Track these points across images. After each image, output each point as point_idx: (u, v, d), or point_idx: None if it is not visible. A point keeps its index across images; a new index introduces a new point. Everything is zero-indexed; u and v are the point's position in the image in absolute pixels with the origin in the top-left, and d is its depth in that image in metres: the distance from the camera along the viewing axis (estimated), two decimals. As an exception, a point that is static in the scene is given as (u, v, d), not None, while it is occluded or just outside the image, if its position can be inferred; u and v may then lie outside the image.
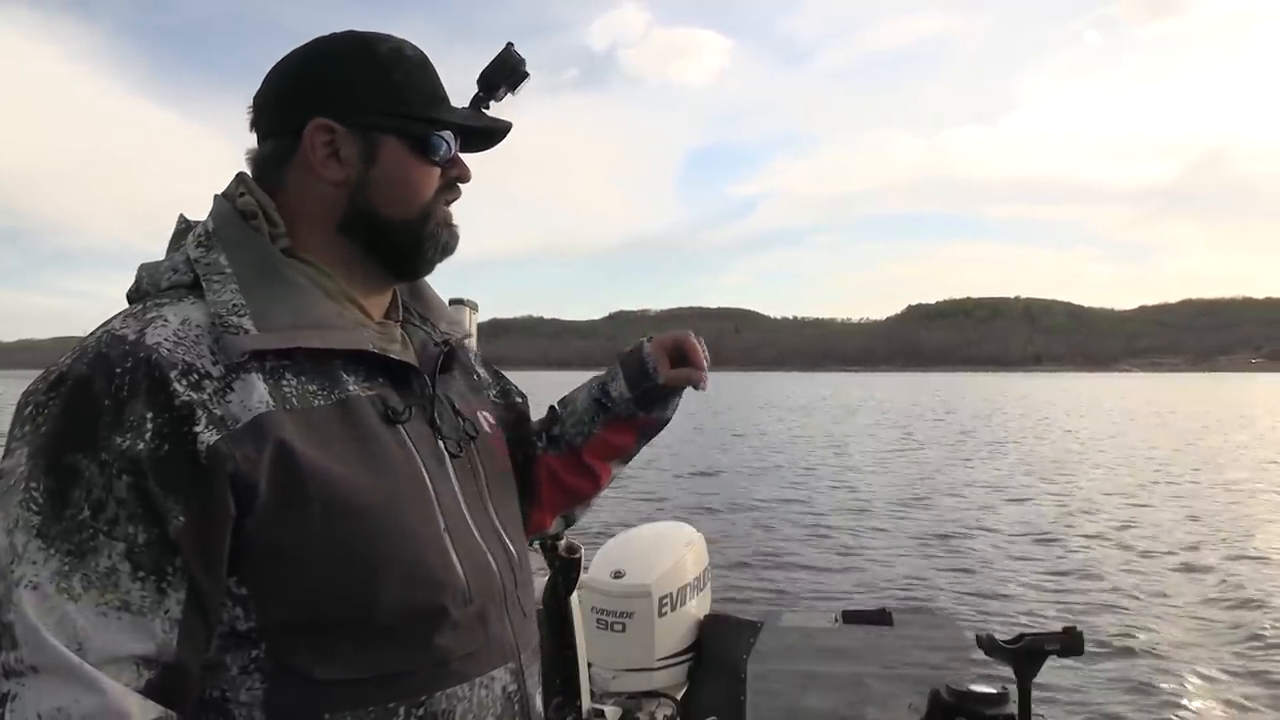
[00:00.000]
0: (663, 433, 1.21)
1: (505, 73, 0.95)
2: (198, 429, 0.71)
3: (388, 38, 0.89)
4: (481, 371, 1.11)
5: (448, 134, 0.89)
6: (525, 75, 0.96)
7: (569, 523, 1.21)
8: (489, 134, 0.95)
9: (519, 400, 1.15)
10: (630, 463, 1.21)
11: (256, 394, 0.75)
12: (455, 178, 0.92)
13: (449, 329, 1.00)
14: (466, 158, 0.94)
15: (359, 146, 0.85)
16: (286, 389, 0.78)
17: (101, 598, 0.68)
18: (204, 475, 0.71)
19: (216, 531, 0.72)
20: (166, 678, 0.69)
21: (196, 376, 0.73)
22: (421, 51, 0.90)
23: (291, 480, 0.74)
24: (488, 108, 0.95)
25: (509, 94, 0.96)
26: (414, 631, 0.78)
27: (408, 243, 0.89)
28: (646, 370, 1.12)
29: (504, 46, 0.96)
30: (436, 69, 0.92)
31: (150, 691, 0.68)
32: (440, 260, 0.93)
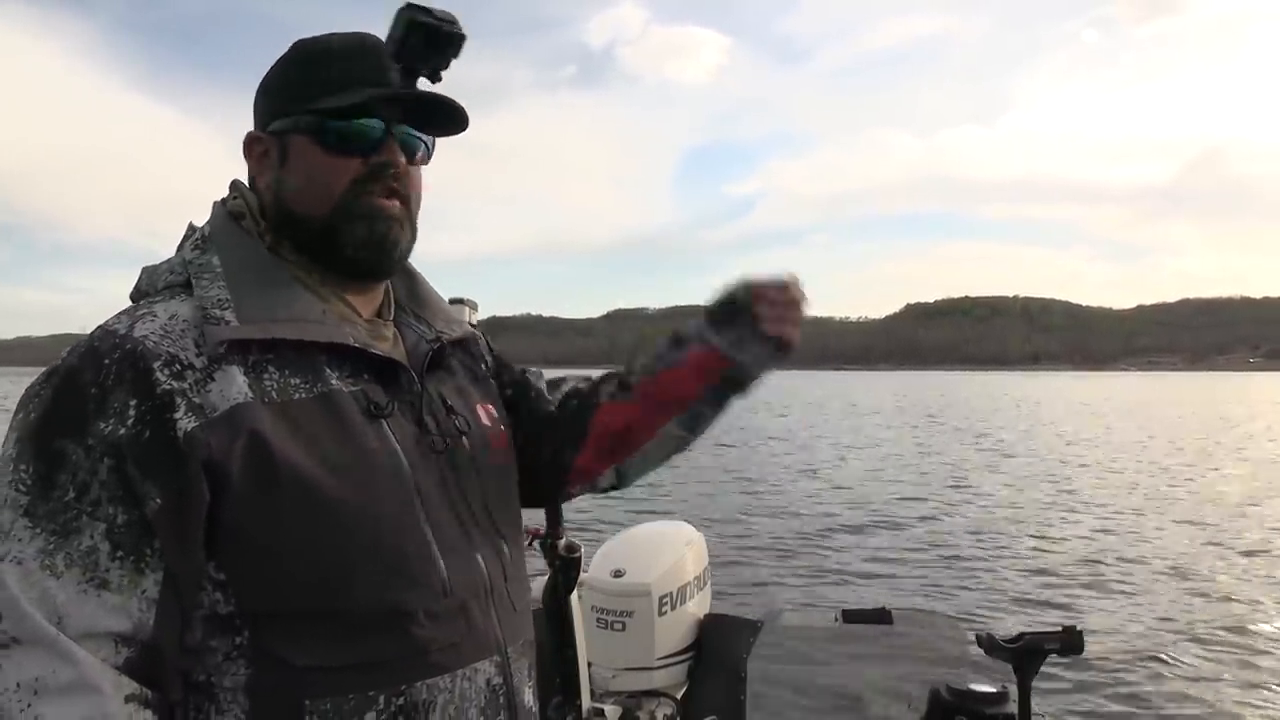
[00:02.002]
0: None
1: (415, 41, 0.83)
2: (177, 416, 0.74)
3: (325, 36, 0.89)
4: (490, 361, 1.10)
5: (371, 121, 0.86)
6: (438, 33, 0.83)
7: (621, 478, 1.11)
8: (443, 111, 0.89)
9: (530, 379, 1.13)
10: (698, 434, 1.07)
11: (236, 385, 0.78)
12: (378, 165, 0.87)
13: (445, 327, 1.00)
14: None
15: (275, 150, 0.88)
16: (268, 382, 0.80)
17: (83, 575, 0.71)
18: (180, 460, 0.74)
19: (191, 515, 0.75)
20: (144, 656, 0.73)
21: (179, 367, 0.76)
22: (359, 39, 0.88)
23: (264, 470, 0.76)
24: (438, 80, 0.87)
25: (437, 61, 0.86)
26: (391, 622, 0.80)
27: (323, 239, 0.87)
28: (730, 290, 1.01)
29: (399, 9, 0.83)
30: (374, 53, 0.86)
31: (127, 668, 0.72)
32: (375, 257, 0.88)
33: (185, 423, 0.74)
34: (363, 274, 0.91)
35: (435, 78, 0.87)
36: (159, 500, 0.73)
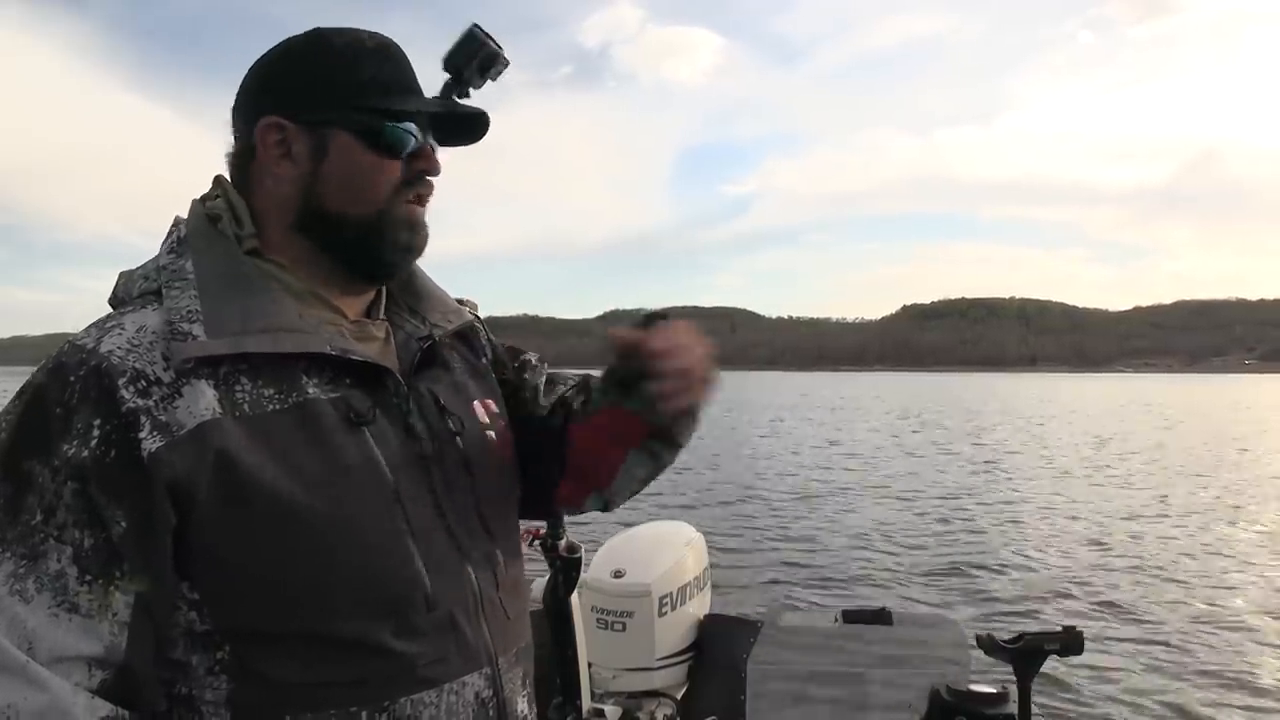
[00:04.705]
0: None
1: (470, 54, 0.89)
2: (141, 435, 0.72)
3: (349, 31, 0.86)
4: (490, 352, 1.06)
5: (410, 125, 0.85)
6: (496, 56, 0.89)
7: (606, 504, 1.05)
8: (466, 125, 0.91)
9: (527, 376, 1.08)
10: (663, 463, 1.00)
11: (204, 401, 0.75)
12: (420, 171, 0.87)
13: (441, 320, 0.96)
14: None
15: (309, 143, 0.84)
16: (239, 395, 0.77)
17: (53, 600, 0.70)
18: (145, 482, 0.72)
19: (157, 537, 0.73)
20: (118, 679, 0.71)
21: (145, 383, 0.74)
22: (387, 42, 0.87)
23: (232, 489, 0.74)
24: (466, 97, 0.90)
25: (486, 80, 0.90)
26: (372, 638, 0.78)
27: (362, 241, 0.85)
28: (618, 363, 0.92)
29: (469, 27, 0.89)
30: (410, 59, 0.88)
31: (102, 691, 0.70)
32: (403, 262, 0.89)
33: (150, 443, 0.72)
34: (385, 277, 0.91)
35: (466, 94, 0.90)
36: (124, 523, 0.71)
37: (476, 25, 0.90)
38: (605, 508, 1.06)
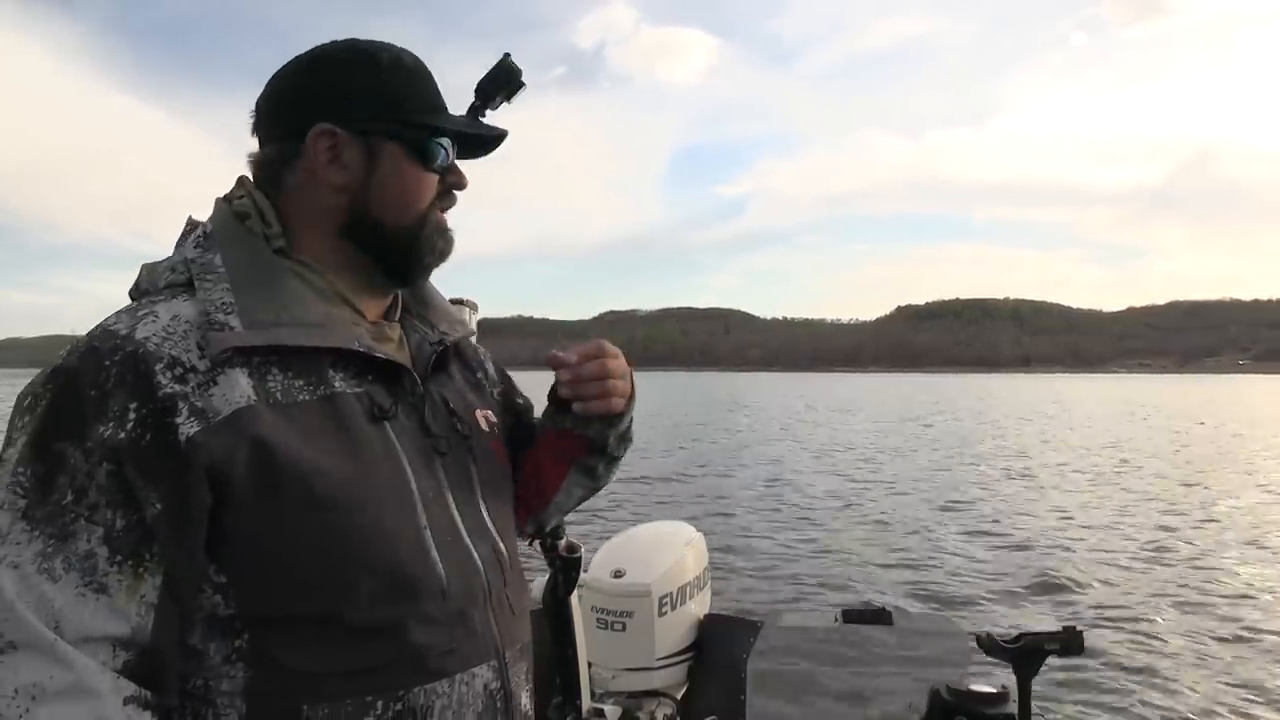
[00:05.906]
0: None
1: (503, 82, 0.96)
2: (178, 420, 0.74)
3: (388, 47, 0.91)
4: (490, 369, 1.12)
5: (446, 141, 0.91)
6: (521, 85, 0.98)
7: (539, 527, 1.15)
8: (485, 141, 0.97)
9: (519, 401, 1.15)
10: (600, 480, 1.11)
11: (239, 389, 0.78)
12: (452, 185, 0.94)
13: (449, 329, 1.01)
14: (462, 164, 0.97)
15: (360, 152, 0.88)
16: (271, 384, 0.80)
17: (81, 580, 0.71)
18: (182, 465, 0.74)
19: (192, 520, 0.75)
20: (143, 660, 0.73)
21: (181, 370, 0.76)
22: (420, 61, 0.93)
23: (267, 474, 0.76)
24: (484, 115, 0.97)
25: (505, 103, 0.98)
26: (389, 627, 0.80)
27: (405, 248, 0.91)
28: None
29: (502, 56, 0.97)
30: (433, 76, 0.94)
31: (126, 672, 0.71)
32: (436, 266, 0.95)
33: (187, 428, 0.74)
34: (417, 280, 0.96)
35: (490, 108, 0.98)
36: (159, 505, 0.73)
37: (509, 55, 0.97)
38: (536, 532, 1.16)
